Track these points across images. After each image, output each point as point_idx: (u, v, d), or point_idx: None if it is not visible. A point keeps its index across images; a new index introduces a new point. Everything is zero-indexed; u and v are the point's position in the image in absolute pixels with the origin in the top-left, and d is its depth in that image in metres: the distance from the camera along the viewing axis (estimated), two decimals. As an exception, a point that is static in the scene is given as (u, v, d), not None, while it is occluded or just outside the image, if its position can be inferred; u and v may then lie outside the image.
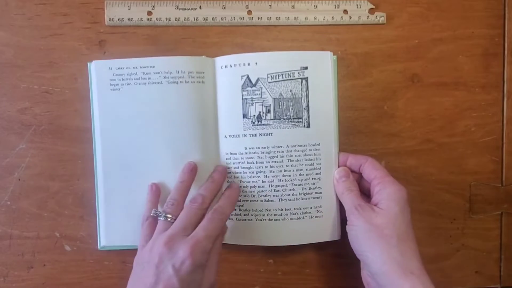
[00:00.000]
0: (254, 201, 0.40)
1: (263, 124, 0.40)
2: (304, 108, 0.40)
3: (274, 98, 0.40)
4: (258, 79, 0.40)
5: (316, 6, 0.43)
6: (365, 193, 0.39)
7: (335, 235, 0.41)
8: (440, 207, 0.44)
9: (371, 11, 0.43)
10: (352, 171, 0.40)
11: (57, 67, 0.41)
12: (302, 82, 0.40)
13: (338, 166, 0.40)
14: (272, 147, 0.39)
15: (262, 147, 0.39)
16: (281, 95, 0.40)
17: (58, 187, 0.42)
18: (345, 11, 0.43)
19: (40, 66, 0.41)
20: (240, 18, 0.42)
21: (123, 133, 0.40)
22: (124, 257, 0.42)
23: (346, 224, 0.37)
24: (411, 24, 0.43)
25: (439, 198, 0.44)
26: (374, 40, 0.43)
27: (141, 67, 0.39)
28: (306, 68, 0.40)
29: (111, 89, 0.40)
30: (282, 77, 0.40)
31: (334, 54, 0.41)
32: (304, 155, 0.40)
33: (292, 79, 0.40)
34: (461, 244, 0.45)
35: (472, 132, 0.44)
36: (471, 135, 0.44)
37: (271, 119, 0.40)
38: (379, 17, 0.43)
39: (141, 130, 0.40)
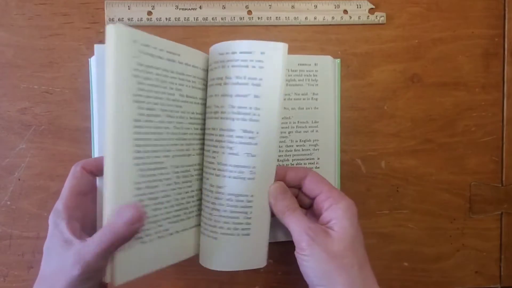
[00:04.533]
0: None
1: None
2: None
3: None
4: None
5: (316, 6, 0.43)
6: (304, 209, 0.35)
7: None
8: (440, 207, 0.44)
9: (371, 11, 0.43)
10: (290, 187, 0.34)
11: (57, 67, 0.41)
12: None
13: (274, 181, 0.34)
14: None
15: None
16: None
17: (58, 187, 0.41)
18: (345, 11, 0.43)
19: (40, 66, 0.41)
20: (240, 18, 0.42)
21: None
22: (124, 257, 0.42)
23: (294, 250, 0.32)
24: (411, 24, 0.43)
25: (439, 198, 0.44)
26: (374, 40, 0.43)
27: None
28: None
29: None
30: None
31: (335, 57, 0.41)
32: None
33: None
34: (461, 244, 0.45)
35: (472, 132, 0.44)
36: (471, 135, 0.44)
37: None
38: (379, 17, 0.43)
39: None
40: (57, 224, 0.31)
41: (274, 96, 0.32)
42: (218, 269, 0.34)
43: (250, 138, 0.32)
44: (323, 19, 0.43)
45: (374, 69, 0.43)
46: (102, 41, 0.42)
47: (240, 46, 0.33)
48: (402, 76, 0.44)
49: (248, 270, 0.43)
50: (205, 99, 0.37)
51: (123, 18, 0.41)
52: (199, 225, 0.37)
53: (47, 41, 0.41)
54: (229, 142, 0.33)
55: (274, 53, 0.32)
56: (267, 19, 0.42)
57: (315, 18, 0.43)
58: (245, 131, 0.32)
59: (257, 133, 0.32)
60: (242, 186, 0.33)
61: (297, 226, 0.31)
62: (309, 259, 0.30)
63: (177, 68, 0.34)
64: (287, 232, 0.33)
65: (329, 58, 0.41)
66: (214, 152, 0.34)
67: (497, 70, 0.44)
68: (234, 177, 0.33)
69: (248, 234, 0.34)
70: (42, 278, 0.31)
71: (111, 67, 0.29)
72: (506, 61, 0.44)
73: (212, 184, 0.34)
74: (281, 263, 0.43)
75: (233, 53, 0.33)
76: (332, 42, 0.43)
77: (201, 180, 0.37)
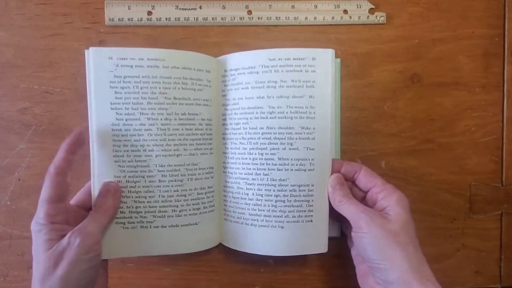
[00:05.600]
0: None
1: None
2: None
3: None
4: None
5: (316, 6, 0.43)
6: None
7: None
8: (440, 207, 0.44)
9: (371, 11, 0.43)
10: (346, 180, 0.38)
11: (57, 67, 0.42)
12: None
13: (331, 174, 0.38)
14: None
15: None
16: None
17: (58, 187, 0.42)
18: (345, 11, 0.43)
19: (40, 66, 0.41)
20: (240, 18, 0.42)
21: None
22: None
23: (350, 232, 0.35)
24: (411, 24, 0.44)
25: (439, 198, 0.44)
26: (374, 40, 0.43)
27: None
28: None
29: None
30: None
31: (335, 57, 0.41)
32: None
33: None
34: (461, 244, 0.45)
35: (472, 132, 0.44)
36: (471, 135, 0.44)
37: None
38: (379, 17, 0.43)
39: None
40: (40, 231, 0.32)
41: (326, 95, 0.37)
42: (286, 255, 0.38)
43: (308, 133, 0.37)
44: (323, 19, 0.43)
45: (374, 69, 0.43)
46: (102, 41, 0.42)
47: (293, 53, 0.37)
48: (402, 76, 0.44)
49: (248, 270, 0.44)
50: (204, 99, 0.38)
51: (123, 18, 0.41)
52: (193, 224, 0.38)
53: (47, 41, 0.41)
54: (289, 139, 0.37)
55: (324, 57, 0.37)
56: (267, 19, 0.42)
57: (315, 18, 0.43)
58: (303, 127, 0.37)
59: (314, 129, 0.37)
60: (304, 177, 0.37)
61: (355, 209, 0.34)
62: (367, 235, 0.33)
63: (161, 72, 0.37)
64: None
65: (329, 51, 0.38)
66: (272, 149, 0.37)
67: (497, 70, 0.44)
68: (296, 170, 0.37)
69: (311, 221, 0.38)
70: (32, 283, 0.32)
71: (91, 82, 0.36)
72: (506, 61, 0.44)
73: (274, 178, 0.37)
74: (281, 263, 0.44)
75: (287, 59, 0.37)
76: (332, 42, 0.43)
77: (197, 180, 0.38)
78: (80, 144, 0.35)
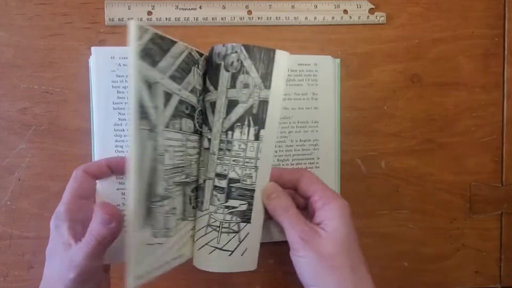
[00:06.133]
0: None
1: None
2: None
3: None
4: None
5: (316, 6, 0.43)
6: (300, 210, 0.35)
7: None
8: (440, 207, 0.44)
9: (371, 11, 0.43)
10: (287, 188, 0.35)
11: (57, 67, 0.41)
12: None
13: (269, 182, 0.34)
14: None
15: None
16: None
17: (58, 187, 0.41)
18: (345, 11, 0.43)
19: (40, 66, 0.41)
20: (240, 18, 0.42)
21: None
22: (124, 257, 0.42)
23: (289, 250, 0.32)
24: (411, 24, 0.43)
25: (439, 198, 0.44)
26: (374, 40, 0.43)
27: None
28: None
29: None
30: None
31: (335, 57, 0.41)
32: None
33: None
34: (461, 244, 0.45)
35: (472, 132, 0.44)
36: (471, 135, 0.44)
37: None
38: (379, 17, 0.43)
39: None
40: (58, 227, 0.31)
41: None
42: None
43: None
44: (323, 19, 0.43)
45: (374, 69, 0.43)
46: (102, 41, 0.42)
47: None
48: (402, 76, 0.44)
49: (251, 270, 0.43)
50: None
51: (123, 18, 0.41)
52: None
53: (47, 41, 0.41)
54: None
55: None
56: (267, 19, 0.42)
57: (315, 18, 0.43)
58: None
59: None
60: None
61: (290, 226, 0.32)
62: (302, 260, 0.31)
63: None
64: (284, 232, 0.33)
65: (329, 58, 0.41)
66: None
67: (497, 70, 0.44)
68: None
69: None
70: (44, 281, 0.32)
71: (94, 82, 0.36)
72: (506, 61, 0.44)
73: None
74: (281, 263, 0.43)
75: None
76: (332, 42, 0.43)
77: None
78: (120, 169, 0.34)
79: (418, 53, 0.44)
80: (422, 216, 0.44)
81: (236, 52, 0.32)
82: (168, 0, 0.42)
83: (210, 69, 0.34)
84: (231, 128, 0.33)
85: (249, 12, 0.42)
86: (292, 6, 0.42)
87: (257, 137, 0.33)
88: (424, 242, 0.44)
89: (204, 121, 0.35)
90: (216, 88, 0.33)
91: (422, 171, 0.44)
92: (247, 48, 0.32)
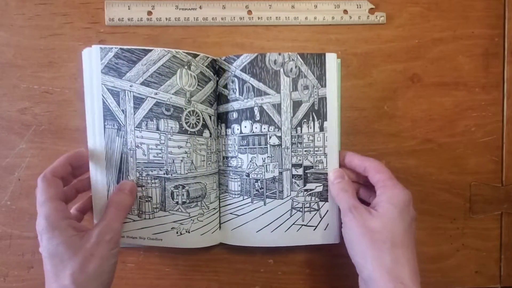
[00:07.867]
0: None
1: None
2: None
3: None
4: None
5: (316, 6, 0.43)
6: (369, 197, 0.39)
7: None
8: (440, 207, 0.44)
9: (371, 11, 0.43)
10: (358, 173, 0.39)
11: (57, 67, 0.41)
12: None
13: (340, 167, 0.40)
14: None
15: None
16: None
17: (58, 187, 0.42)
18: (345, 11, 0.43)
19: (40, 66, 0.41)
20: (240, 18, 0.42)
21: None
22: (124, 257, 0.42)
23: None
24: (411, 24, 0.43)
25: (439, 198, 0.44)
26: (374, 40, 0.43)
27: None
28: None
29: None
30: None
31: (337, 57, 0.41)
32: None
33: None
34: (461, 244, 0.45)
35: (472, 132, 0.44)
36: (471, 135, 0.44)
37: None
38: (379, 17, 0.43)
39: None
40: (55, 229, 0.33)
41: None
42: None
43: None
44: (323, 19, 0.43)
45: (374, 69, 0.43)
46: (102, 41, 0.42)
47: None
48: (402, 76, 0.44)
49: (248, 270, 0.44)
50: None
51: (123, 18, 0.41)
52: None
53: (47, 41, 0.41)
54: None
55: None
56: (267, 19, 0.42)
57: (315, 18, 0.43)
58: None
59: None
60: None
61: (343, 204, 0.36)
62: (349, 232, 0.34)
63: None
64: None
65: (333, 55, 0.40)
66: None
67: (497, 70, 0.44)
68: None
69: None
70: (54, 281, 0.32)
71: (86, 82, 0.37)
72: (506, 61, 0.44)
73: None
74: (281, 263, 0.44)
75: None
76: (332, 42, 0.43)
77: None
78: (79, 160, 0.36)
79: (418, 53, 0.44)
80: (422, 216, 0.44)
81: (293, 60, 0.39)
82: (168, 0, 0.42)
83: (265, 74, 0.39)
84: (299, 125, 0.40)
85: (249, 12, 0.42)
86: (292, 6, 0.42)
87: (321, 128, 0.39)
88: (424, 242, 0.44)
89: (269, 122, 0.39)
90: (278, 91, 0.39)
91: (422, 171, 0.44)
92: (302, 55, 0.39)
